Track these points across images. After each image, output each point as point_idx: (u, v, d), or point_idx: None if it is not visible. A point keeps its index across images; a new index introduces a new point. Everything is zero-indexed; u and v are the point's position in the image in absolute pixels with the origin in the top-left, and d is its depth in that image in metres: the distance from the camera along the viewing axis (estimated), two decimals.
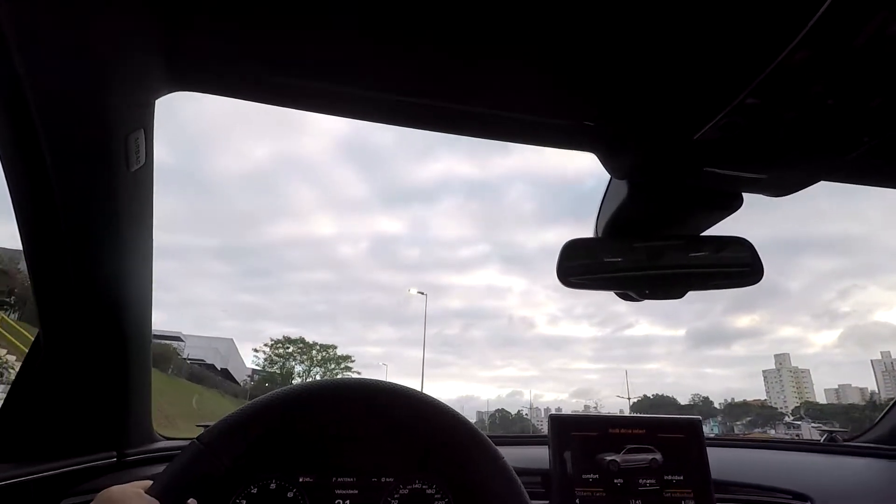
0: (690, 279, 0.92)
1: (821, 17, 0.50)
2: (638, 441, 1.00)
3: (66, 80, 0.65)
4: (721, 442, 1.38)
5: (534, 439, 1.33)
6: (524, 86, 0.72)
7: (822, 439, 1.38)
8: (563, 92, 0.72)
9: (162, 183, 0.87)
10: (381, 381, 0.76)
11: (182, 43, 0.67)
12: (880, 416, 1.42)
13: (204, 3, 0.60)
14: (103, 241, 0.80)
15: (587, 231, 0.99)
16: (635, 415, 1.08)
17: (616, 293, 0.98)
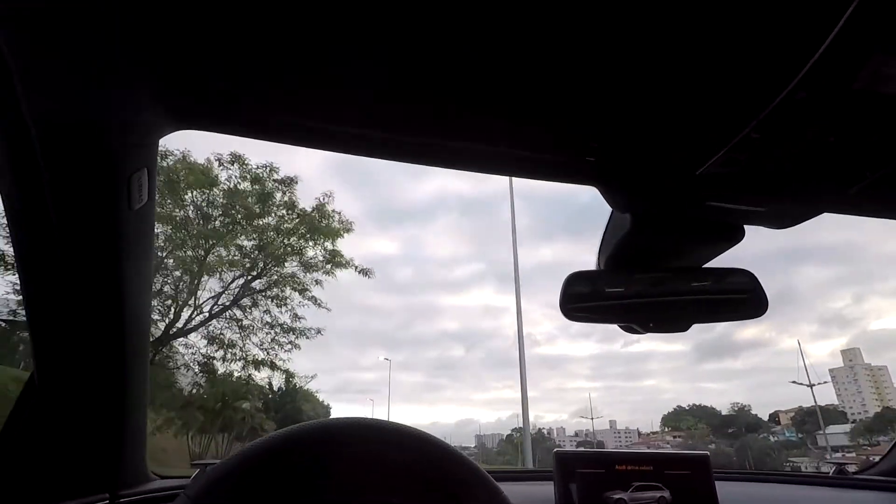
0: (694, 312, 0.97)
1: (818, 60, 0.54)
2: (645, 478, 1.03)
3: (70, 123, 0.69)
4: (729, 475, 1.41)
5: (538, 474, 1.36)
6: (525, 123, 0.76)
7: (832, 472, 1.41)
8: (565, 128, 0.76)
9: None
10: (375, 420, 0.79)
11: (184, 85, 0.72)
12: (890, 448, 1.46)
13: (204, 46, 0.64)
14: (103, 279, 0.83)
15: (581, 247, 1.06)
16: (642, 451, 1.14)
17: (620, 326, 1.05)
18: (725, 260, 0.96)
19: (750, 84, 0.62)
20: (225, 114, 0.79)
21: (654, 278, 0.97)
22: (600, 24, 0.57)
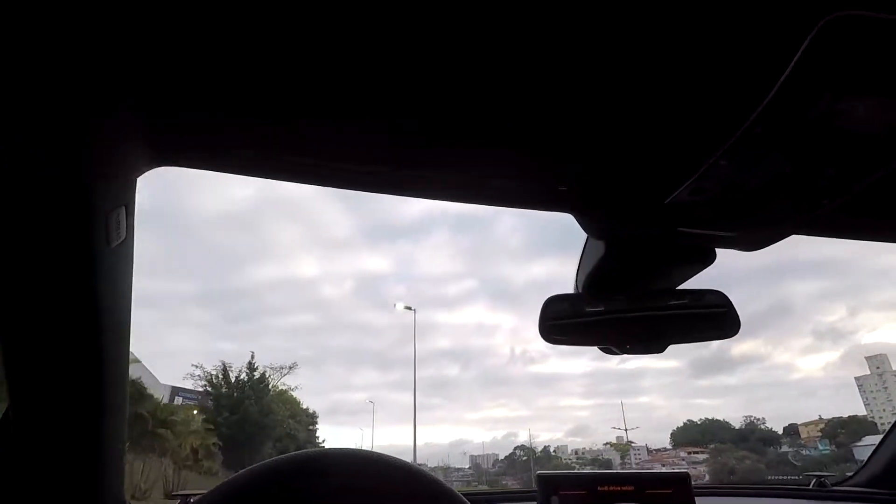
0: (669, 332, 1.04)
1: (772, 99, 0.61)
2: (627, 498, 1.08)
3: (48, 160, 0.71)
4: (710, 490, 1.49)
5: (521, 495, 1.41)
6: (500, 155, 0.82)
7: (811, 484, 1.46)
8: (538, 160, 0.83)
9: (138, 224, 0.94)
10: (375, 454, 0.80)
11: (163, 122, 0.75)
12: (868, 458, 1.51)
13: (189, 81, 0.68)
14: (80, 315, 0.85)
15: (573, 264, 1.14)
16: (624, 471, 1.22)
17: (599, 347, 1.12)
18: (720, 275, 1.04)
19: (711, 119, 0.69)
20: (209, 150, 0.83)
21: (629, 300, 1.03)
22: (571, 62, 0.64)
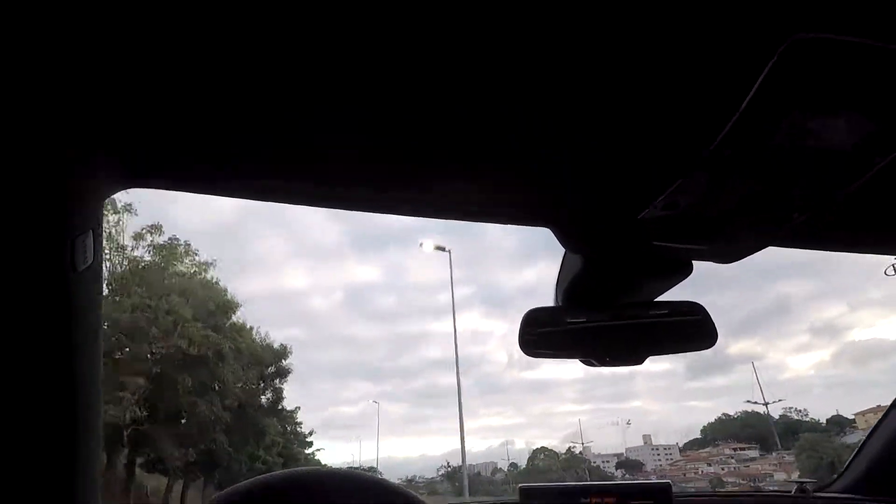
0: (648, 344, 1.09)
1: (740, 117, 0.65)
2: None
3: (10, 184, 0.69)
4: (691, 499, 1.54)
5: None
6: (479, 173, 0.88)
7: (793, 490, 1.49)
8: (515, 177, 0.89)
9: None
10: (323, 470, 0.89)
11: (132, 145, 0.77)
12: (847, 464, 1.54)
13: (152, 98, 0.70)
14: (48, 344, 0.81)
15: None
16: (605, 482, 1.28)
17: (580, 360, 1.17)
18: (714, 277, 1.08)
19: (683, 138, 0.74)
20: (180, 170, 0.86)
21: (608, 313, 1.08)
22: (547, 84, 0.69)
